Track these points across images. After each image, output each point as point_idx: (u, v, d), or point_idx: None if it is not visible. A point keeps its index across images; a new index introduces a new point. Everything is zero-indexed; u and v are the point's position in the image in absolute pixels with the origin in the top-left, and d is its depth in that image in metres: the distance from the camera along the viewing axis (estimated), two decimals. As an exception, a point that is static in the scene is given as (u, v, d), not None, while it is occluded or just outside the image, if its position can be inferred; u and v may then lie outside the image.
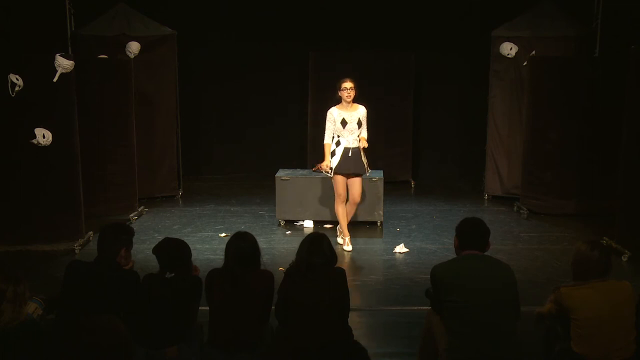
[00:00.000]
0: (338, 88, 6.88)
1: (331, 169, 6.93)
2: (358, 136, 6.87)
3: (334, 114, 6.86)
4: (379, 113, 8.48)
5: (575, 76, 8.07)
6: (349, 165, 6.88)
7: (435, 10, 10.07)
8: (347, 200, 7.07)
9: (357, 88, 6.89)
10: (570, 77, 8.08)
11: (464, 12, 10.07)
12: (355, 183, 6.98)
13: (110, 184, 8.01)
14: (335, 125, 6.85)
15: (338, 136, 6.89)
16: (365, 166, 6.96)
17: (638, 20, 8.10)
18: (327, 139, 6.93)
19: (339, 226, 7.28)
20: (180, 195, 9.52)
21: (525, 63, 8.55)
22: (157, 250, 4.18)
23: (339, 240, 7.19)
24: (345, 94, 6.81)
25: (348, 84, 6.82)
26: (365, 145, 6.88)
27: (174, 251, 4.15)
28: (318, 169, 7.51)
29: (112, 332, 2.45)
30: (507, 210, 8.64)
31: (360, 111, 6.90)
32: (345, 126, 6.83)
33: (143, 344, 3.91)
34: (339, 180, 6.94)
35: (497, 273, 3.85)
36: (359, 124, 6.86)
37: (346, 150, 6.86)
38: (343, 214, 7.07)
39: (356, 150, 6.88)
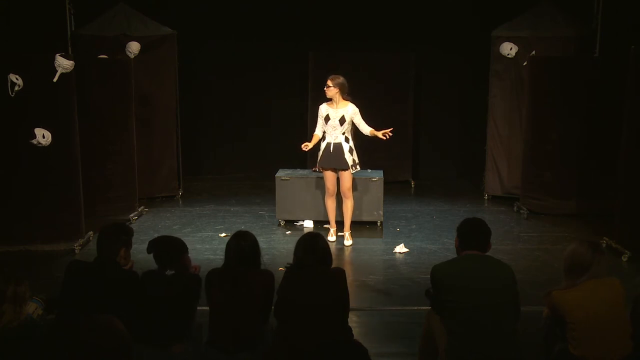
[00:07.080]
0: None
1: (317, 162, 7.23)
2: (342, 133, 7.00)
3: (322, 110, 7.11)
4: (379, 113, 8.46)
5: (575, 76, 8.07)
6: (330, 159, 7.07)
7: (435, 10, 10.07)
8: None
9: (339, 85, 6.94)
10: (570, 77, 8.07)
11: (464, 12, 10.08)
12: (343, 177, 7.15)
13: (110, 184, 8.03)
14: (321, 119, 7.08)
15: (325, 132, 7.09)
16: (349, 162, 7.04)
17: (638, 20, 8.10)
18: (317, 131, 7.17)
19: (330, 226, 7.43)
20: (180, 195, 9.51)
21: (525, 63, 8.54)
22: (148, 249, 4.23)
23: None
24: (326, 91, 6.97)
25: (328, 82, 6.98)
26: (381, 135, 6.88)
27: (161, 247, 4.19)
28: (318, 169, 7.54)
29: (112, 332, 2.45)
30: (507, 210, 8.64)
31: (348, 109, 6.99)
32: (328, 122, 7.03)
33: (144, 343, 3.91)
34: (327, 174, 7.21)
35: (498, 273, 3.85)
36: (342, 121, 6.97)
37: (328, 145, 7.06)
38: (331, 206, 7.35)
39: (338, 146, 7.02)
